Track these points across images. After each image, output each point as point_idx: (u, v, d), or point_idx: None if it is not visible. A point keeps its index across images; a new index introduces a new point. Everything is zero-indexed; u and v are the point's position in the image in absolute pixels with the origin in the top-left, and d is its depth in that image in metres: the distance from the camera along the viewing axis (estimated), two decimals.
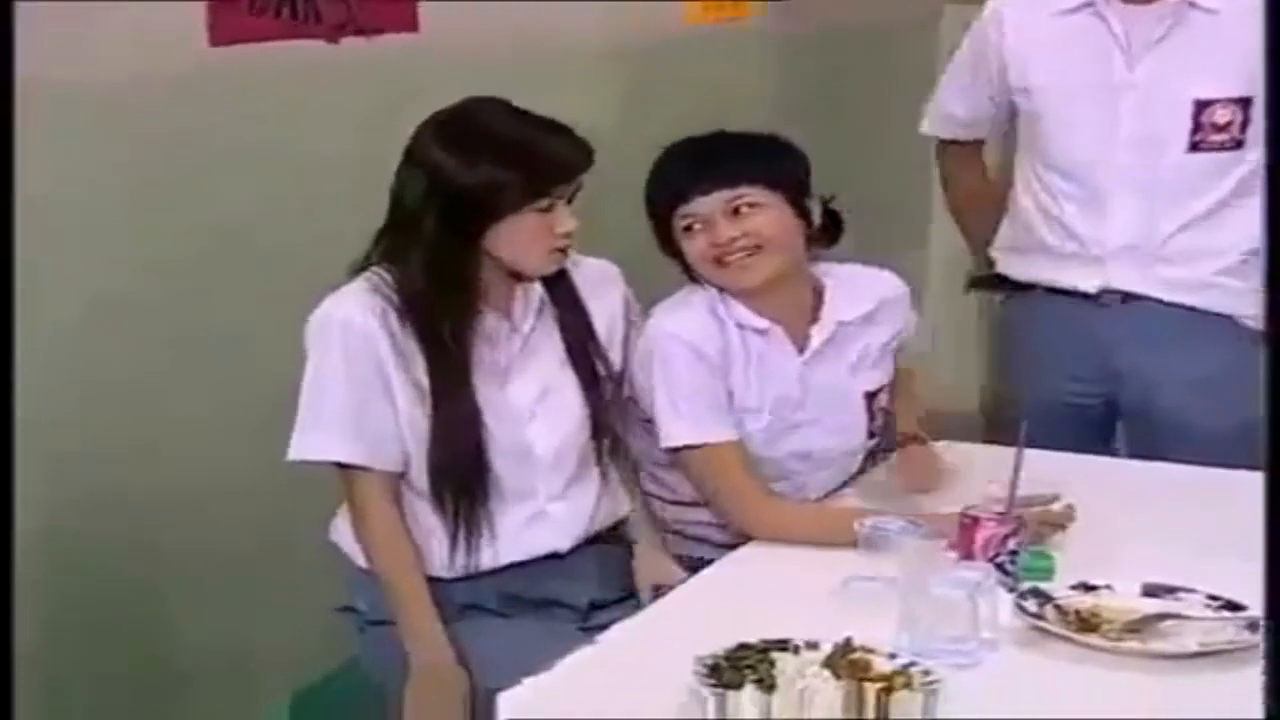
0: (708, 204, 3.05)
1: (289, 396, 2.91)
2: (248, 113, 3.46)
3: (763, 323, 3.11)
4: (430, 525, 2.95)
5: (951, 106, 4.04)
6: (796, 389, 3.14)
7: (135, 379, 3.39)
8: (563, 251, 2.95)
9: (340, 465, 2.91)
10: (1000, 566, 2.78)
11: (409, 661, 2.88)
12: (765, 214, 3.05)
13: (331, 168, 3.60)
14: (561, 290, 3.05)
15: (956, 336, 5.29)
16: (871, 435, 3.24)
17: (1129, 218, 3.72)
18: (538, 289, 3.02)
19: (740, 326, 3.09)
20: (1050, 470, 3.06)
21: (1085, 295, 3.81)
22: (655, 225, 3.10)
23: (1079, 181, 3.77)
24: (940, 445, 3.34)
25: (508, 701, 2.44)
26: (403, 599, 2.91)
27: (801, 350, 3.15)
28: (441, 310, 2.89)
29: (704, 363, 3.06)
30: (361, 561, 2.99)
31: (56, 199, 3.13)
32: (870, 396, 3.23)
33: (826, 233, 3.20)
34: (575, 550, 3.05)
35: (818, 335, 3.15)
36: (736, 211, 3.04)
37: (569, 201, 2.92)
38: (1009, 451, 2.92)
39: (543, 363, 3.01)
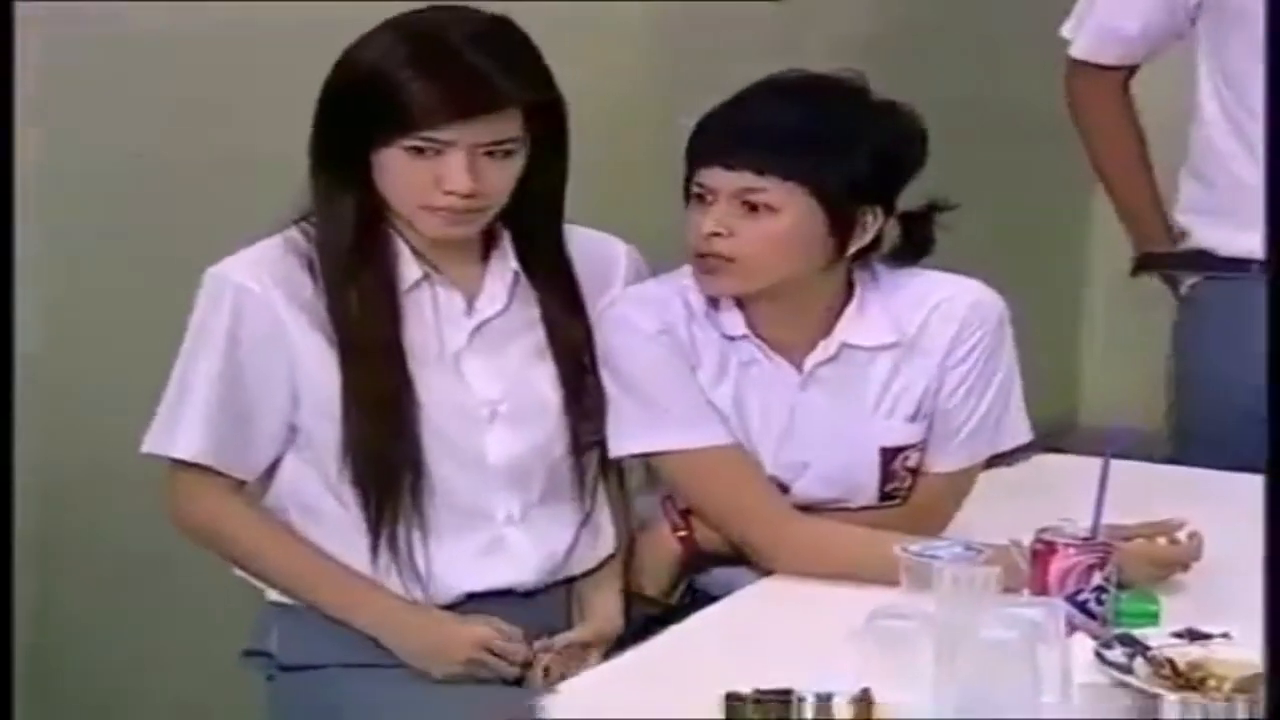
0: (723, 180, 2.54)
1: None
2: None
3: (739, 328, 2.61)
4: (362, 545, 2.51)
5: (1118, 16, 3.41)
6: (783, 417, 2.62)
7: None
8: (454, 213, 2.45)
9: (180, 462, 2.50)
10: (1082, 606, 2.36)
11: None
12: (774, 224, 2.52)
13: None
14: (546, 268, 2.57)
15: (1122, 329, 4.55)
16: (888, 497, 2.69)
17: None
18: (511, 264, 2.55)
19: (718, 329, 2.61)
20: (1199, 490, 2.68)
21: None
22: (686, 172, 2.61)
23: None
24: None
25: None
26: (333, 588, 2.49)
27: (799, 371, 2.63)
28: (331, 251, 2.47)
29: (671, 352, 2.59)
30: (272, 593, 2.56)
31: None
32: (890, 453, 2.66)
33: (912, 244, 2.66)
34: (547, 591, 2.58)
35: (815, 356, 2.62)
36: (747, 205, 2.53)
37: (503, 154, 2.44)
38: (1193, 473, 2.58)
39: (512, 355, 2.55)
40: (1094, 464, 2.50)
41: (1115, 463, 2.54)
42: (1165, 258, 3.45)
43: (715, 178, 2.54)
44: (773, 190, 2.51)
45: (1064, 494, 2.59)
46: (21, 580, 2.47)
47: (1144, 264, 3.51)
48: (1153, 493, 2.62)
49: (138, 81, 3.10)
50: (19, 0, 2.43)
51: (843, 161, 2.53)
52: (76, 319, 3.05)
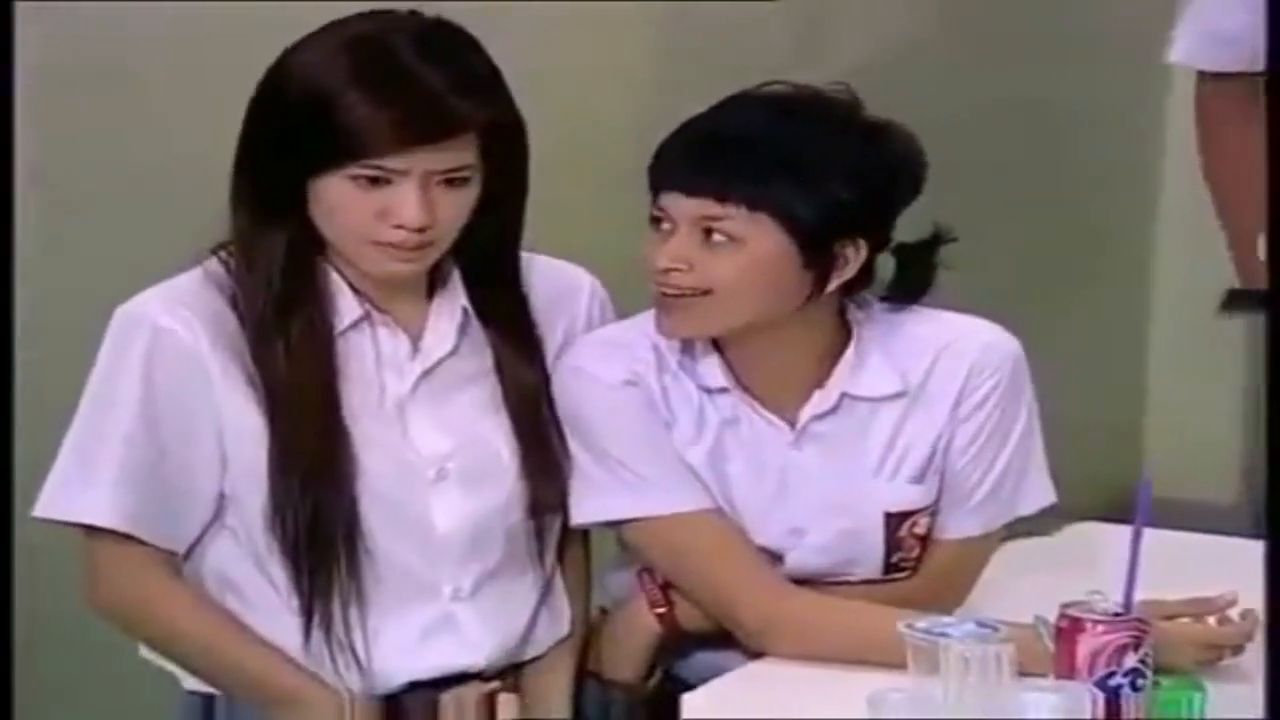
0: (683, 207, 2.35)
1: None
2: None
3: (718, 379, 2.40)
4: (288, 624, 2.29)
5: (1220, 16, 3.18)
6: (774, 479, 2.42)
7: None
8: (404, 249, 2.24)
9: (91, 529, 2.27)
10: (1114, 691, 2.18)
11: None
12: (739, 257, 2.32)
13: None
14: (500, 307, 2.36)
15: (1198, 375, 4.31)
16: (893, 569, 2.49)
17: None
18: (460, 300, 2.34)
19: (694, 380, 2.41)
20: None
21: None
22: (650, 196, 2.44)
23: None
24: None
25: None
26: (253, 667, 2.28)
27: (792, 427, 2.42)
28: (256, 292, 2.27)
29: (639, 405, 2.39)
30: (190, 681, 2.35)
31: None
32: (896, 519, 2.46)
33: (909, 281, 2.45)
34: (500, 677, 2.36)
35: (811, 409, 2.41)
36: (709, 234, 2.33)
37: (459, 182, 2.23)
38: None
39: (462, 405, 2.34)
40: (1151, 534, 2.31)
41: (1171, 534, 2.39)
42: (1253, 296, 3.19)
43: (675, 204, 2.34)
44: (737, 219, 2.31)
45: (1109, 567, 2.35)
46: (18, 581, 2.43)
47: (1230, 302, 3.27)
48: (1216, 566, 2.49)
49: (138, 81, 3.07)
50: (19, 0, 2.45)
51: (817, 188, 2.33)
52: (76, 320, 2.93)
